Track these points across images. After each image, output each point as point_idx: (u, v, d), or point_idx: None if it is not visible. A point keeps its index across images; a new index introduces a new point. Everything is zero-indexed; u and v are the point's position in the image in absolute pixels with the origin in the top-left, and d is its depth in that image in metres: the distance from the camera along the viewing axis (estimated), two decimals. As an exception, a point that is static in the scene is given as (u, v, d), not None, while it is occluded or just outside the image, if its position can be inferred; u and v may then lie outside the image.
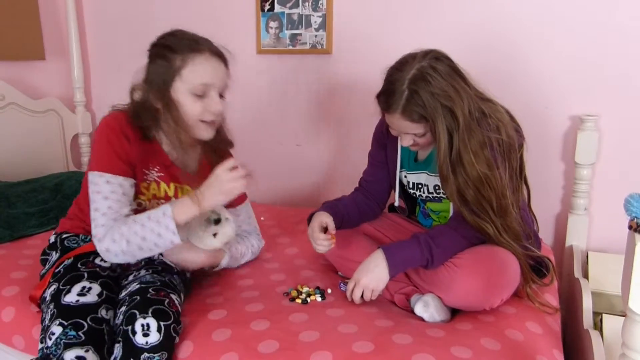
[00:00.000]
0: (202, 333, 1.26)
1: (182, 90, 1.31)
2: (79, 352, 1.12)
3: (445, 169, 1.34)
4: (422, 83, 1.30)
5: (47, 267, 1.43)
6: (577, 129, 1.78)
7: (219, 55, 1.37)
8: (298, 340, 1.20)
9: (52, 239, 1.48)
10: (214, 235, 1.39)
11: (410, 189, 1.60)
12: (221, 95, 1.39)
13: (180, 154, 1.42)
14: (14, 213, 1.86)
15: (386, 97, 1.36)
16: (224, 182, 1.24)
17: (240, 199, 1.58)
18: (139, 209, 1.38)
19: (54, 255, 1.43)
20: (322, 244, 1.46)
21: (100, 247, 1.27)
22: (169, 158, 1.42)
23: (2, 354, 1.44)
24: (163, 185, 1.42)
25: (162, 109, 1.33)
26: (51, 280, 1.30)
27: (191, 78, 1.30)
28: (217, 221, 1.39)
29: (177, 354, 1.22)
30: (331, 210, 1.53)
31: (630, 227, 0.90)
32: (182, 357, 1.21)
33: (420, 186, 1.57)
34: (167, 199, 1.42)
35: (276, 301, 1.41)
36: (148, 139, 1.38)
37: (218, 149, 1.48)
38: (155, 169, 1.40)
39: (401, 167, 1.60)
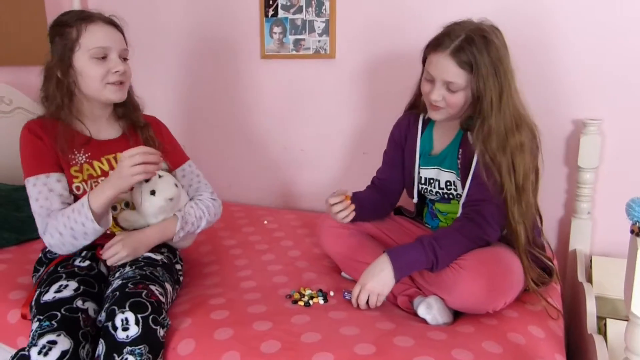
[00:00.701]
0: (204, 332, 1.27)
1: (84, 58, 1.39)
2: (51, 337, 1.15)
3: (493, 122, 1.35)
4: (481, 37, 1.35)
5: (34, 281, 1.48)
6: (580, 133, 1.78)
7: (111, 22, 1.45)
8: (300, 342, 1.21)
9: (40, 255, 1.53)
10: (152, 193, 1.42)
11: (422, 184, 1.60)
12: (125, 59, 1.46)
13: (93, 125, 1.48)
14: (21, 217, 1.87)
15: (439, 37, 1.39)
16: (124, 167, 1.28)
17: (179, 161, 1.61)
18: (78, 194, 1.43)
19: (41, 270, 1.47)
20: (338, 207, 1.47)
21: (46, 244, 1.38)
22: (85, 135, 1.47)
23: (7, 355, 1.45)
24: (96, 163, 1.46)
25: (66, 80, 1.41)
26: (37, 289, 1.35)
27: (89, 44, 1.39)
28: (147, 179, 1.41)
29: (178, 351, 1.23)
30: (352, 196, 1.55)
31: (632, 232, 0.90)
32: (184, 355, 1.22)
33: (432, 181, 1.57)
34: (105, 174, 1.46)
35: (278, 303, 1.41)
36: (60, 122, 1.42)
37: (136, 118, 1.55)
38: (82, 151, 1.45)
39: (418, 163, 1.61)
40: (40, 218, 1.37)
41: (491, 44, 1.35)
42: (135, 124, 1.54)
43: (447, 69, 1.36)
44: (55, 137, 1.40)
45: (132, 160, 1.26)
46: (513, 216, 1.36)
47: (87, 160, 1.45)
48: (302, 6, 2.15)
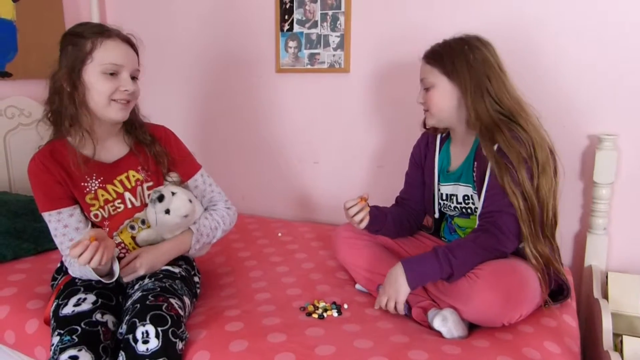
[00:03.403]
0: (219, 344, 1.27)
1: (94, 72, 1.35)
2: (72, 352, 1.17)
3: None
4: (459, 41, 1.48)
5: (53, 289, 1.50)
6: (596, 148, 1.77)
7: (128, 40, 1.42)
8: (314, 354, 1.21)
9: (59, 264, 1.55)
10: (167, 212, 1.43)
11: (442, 200, 1.62)
12: (134, 78, 1.43)
13: (102, 145, 1.45)
14: (39, 227, 1.89)
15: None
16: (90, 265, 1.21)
17: (191, 172, 1.60)
18: (96, 221, 1.44)
19: (60, 279, 1.49)
20: (354, 210, 1.51)
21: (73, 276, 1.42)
22: (95, 159, 1.44)
23: (24, 364, 1.48)
24: (109, 186, 1.45)
25: (75, 93, 1.36)
26: (55, 299, 1.37)
27: (102, 59, 1.35)
28: (161, 198, 1.43)
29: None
30: (374, 207, 1.59)
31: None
32: (199, 367, 1.22)
33: (451, 197, 1.59)
34: (120, 196, 1.46)
35: (293, 315, 1.42)
36: (69, 146, 1.40)
37: (142, 136, 1.52)
38: (93, 177, 1.43)
39: (438, 181, 1.63)
40: (63, 254, 1.42)
41: (464, 42, 1.47)
42: (141, 141, 1.52)
43: (421, 69, 1.53)
44: (65, 167, 1.39)
45: (85, 260, 1.18)
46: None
47: (101, 185, 1.44)
48: (317, 21, 2.18)
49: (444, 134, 1.65)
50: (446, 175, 1.60)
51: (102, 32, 1.37)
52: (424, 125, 1.66)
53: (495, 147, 1.40)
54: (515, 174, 1.35)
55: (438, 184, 1.63)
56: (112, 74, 1.36)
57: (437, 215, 1.66)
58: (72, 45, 1.37)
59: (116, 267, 1.35)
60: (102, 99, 1.37)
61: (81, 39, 1.36)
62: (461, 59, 1.44)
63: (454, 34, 1.51)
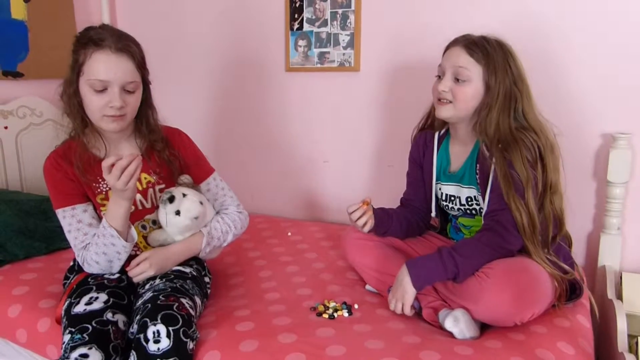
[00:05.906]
0: (229, 344, 1.27)
1: (84, 86, 1.35)
2: (83, 350, 1.17)
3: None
4: (495, 41, 1.42)
5: (65, 288, 1.50)
6: (610, 147, 1.75)
7: (122, 50, 1.35)
8: (325, 354, 1.21)
9: (72, 262, 1.55)
10: (177, 213, 1.42)
11: (443, 201, 1.61)
12: (129, 91, 1.37)
13: (113, 145, 1.46)
14: (50, 226, 1.90)
15: (456, 38, 1.45)
16: (114, 185, 1.26)
17: (204, 175, 1.59)
18: None
19: (72, 278, 1.49)
20: (357, 214, 1.51)
21: (87, 271, 1.42)
22: (103, 160, 1.42)
23: (36, 362, 1.49)
24: None
25: (75, 97, 1.38)
26: (67, 298, 1.37)
27: (89, 74, 1.33)
28: (171, 199, 1.42)
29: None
30: (379, 209, 1.59)
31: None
32: (209, 367, 1.22)
33: (452, 198, 1.57)
34: None
35: (303, 315, 1.41)
36: (82, 146, 1.42)
37: (152, 142, 1.50)
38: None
39: (436, 179, 1.61)
40: (76, 250, 1.41)
41: (505, 49, 1.42)
42: (153, 145, 1.51)
43: (459, 57, 1.42)
44: (75, 168, 1.40)
45: (114, 177, 1.24)
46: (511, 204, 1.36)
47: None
48: (327, 19, 2.17)
49: (442, 132, 1.63)
50: (447, 176, 1.59)
51: (95, 41, 1.33)
52: (422, 128, 1.66)
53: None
54: (522, 192, 1.35)
55: (437, 182, 1.62)
56: (100, 90, 1.33)
57: (434, 213, 1.66)
58: (73, 53, 1.37)
59: (133, 232, 1.38)
60: (93, 113, 1.37)
61: (79, 47, 1.35)
62: (503, 65, 1.39)
63: (477, 33, 1.47)
